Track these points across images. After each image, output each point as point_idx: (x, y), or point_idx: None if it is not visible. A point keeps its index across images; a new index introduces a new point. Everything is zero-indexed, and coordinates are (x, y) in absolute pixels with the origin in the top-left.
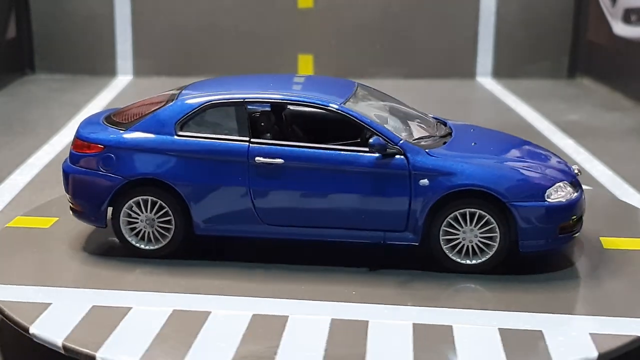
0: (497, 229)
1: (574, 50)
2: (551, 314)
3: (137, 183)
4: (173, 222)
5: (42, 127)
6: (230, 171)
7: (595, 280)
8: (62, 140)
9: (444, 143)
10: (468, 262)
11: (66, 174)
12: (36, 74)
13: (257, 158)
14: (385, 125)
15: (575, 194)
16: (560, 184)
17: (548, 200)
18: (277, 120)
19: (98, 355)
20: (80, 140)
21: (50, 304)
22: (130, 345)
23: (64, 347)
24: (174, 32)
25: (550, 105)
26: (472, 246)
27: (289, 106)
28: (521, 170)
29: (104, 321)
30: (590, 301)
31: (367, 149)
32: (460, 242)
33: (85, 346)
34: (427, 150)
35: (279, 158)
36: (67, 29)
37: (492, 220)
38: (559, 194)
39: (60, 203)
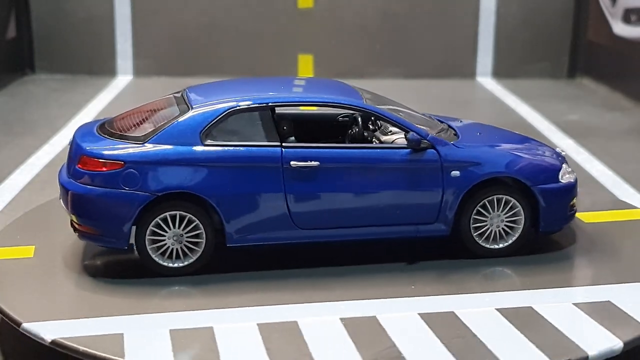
0: (522, 212)
1: (574, 50)
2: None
3: (163, 198)
4: (204, 235)
5: (42, 127)
6: (264, 178)
7: (608, 251)
8: (62, 140)
9: (456, 136)
10: (495, 246)
11: (75, 194)
12: (36, 74)
13: (292, 162)
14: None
15: (574, 174)
16: (564, 165)
17: (561, 181)
18: (299, 123)
19: None
20: (90, 158)
21: (121, 333)
22: None
23: None
24: (174, 32)
25: (550, 105)
26: (499, 231)
27: (311, 108)
28: (534, 156)
29: (200, 344)
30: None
31: (398, 145)
32: (488, 228)
33: None
34: (452, 143)
35: (314, 160)
36: (67, 29)
37: (517, 204)
38: (566, 174)
39: (20, 227)
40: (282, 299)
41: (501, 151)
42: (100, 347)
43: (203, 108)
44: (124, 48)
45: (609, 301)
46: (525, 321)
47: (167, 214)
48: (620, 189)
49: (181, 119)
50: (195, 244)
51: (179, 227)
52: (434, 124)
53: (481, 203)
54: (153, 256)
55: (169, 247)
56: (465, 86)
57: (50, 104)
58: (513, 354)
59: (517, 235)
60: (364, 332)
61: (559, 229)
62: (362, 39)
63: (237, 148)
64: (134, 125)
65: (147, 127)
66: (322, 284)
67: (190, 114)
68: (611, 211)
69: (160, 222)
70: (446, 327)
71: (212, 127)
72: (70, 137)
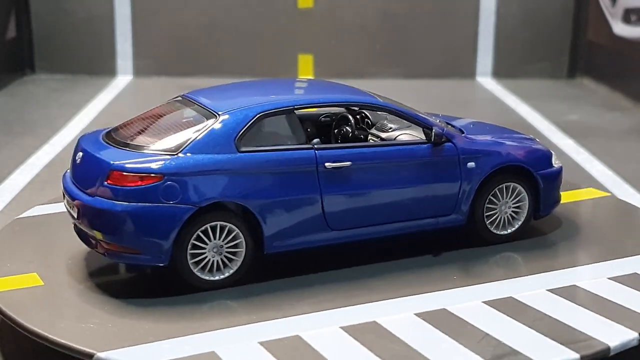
0: (527, 198)
1: (574, 50)
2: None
3: (204, 210)
4: (244, 244)
5: (42, 127)
6: (301, 181)
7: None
8: (62, 140)
9: (459, 130)
10: (504, 232)
11: (106, 212)
12: (36, 74)
13: (327, 164)
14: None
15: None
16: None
17: (555, 165)
18: (321, 124)
19: None
20: (123, 173)
21: (213, 351)
22: None
23: None
24: (174, 32)
25: (550, 105)
26: (507, 217)
27: (330, 109)
28: (529, 144)
29: (301, 352)
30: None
31: (419, 141)
32: (497, 216)
33: None
34: (464, 135)
35: (347, 160)
36: (67, 29)
37: (523, 190)
38: (556, 160)
39: (8, 251)
40: (336, 303)
41: (504, 141)
42: None
43: (231, 113)
44: (124, 48)
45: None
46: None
47: (208, 225)
48: (620, 189)
49: (213, 126)
50: (233, 254)
51: (219, 238)
52: (438, 120)
53: (493, 192)
54: (195, 271)
55: (208, 259)
56: (465, 86)
57: (50, 104)
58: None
59: (522, 220)
60: (443, 324)
61: (551, 211)
62: (362, 39)
63: (273, 153)
64: (153, 136)
65: (173, 137)
66: (371, 283)
67: (220, 120)
68: (567, 192)
69: (200, 234)
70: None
71: (245, 133)
72: (78, 150)
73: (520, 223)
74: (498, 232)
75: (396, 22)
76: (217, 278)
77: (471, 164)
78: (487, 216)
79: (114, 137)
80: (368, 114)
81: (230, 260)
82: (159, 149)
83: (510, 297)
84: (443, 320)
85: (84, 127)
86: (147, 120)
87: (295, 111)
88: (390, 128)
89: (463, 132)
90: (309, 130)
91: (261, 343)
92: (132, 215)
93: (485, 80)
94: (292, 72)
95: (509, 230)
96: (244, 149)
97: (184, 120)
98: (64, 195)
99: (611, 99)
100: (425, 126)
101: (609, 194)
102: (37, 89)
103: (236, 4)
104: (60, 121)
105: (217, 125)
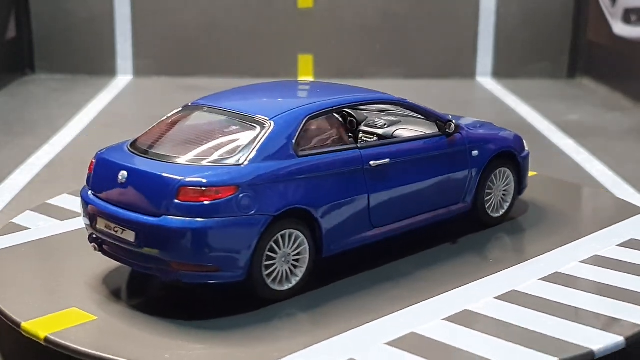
0: (512, 181)
1: (574, 50)
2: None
3: (277, 219)
4: (307, 250)
5: (42, 127)
6: (351, 181)
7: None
8: (62, 140)
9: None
10: (498, 215)
11: (189, 231)
12: (36, 74)
13: (371, 162)
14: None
15: None
16: None
17: (526, 149)
18: (350, 123)
19: None
20: (196, 188)
21: (353, 359)
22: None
23: None
24: (174, 32)
25: (550, 105)
26: (499, 200)
27: (359, 108)
28: (508, 132)
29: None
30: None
31: (435, 133)
32: (492, 199)
33: None
34: (464, 125)
35: (386, 158)
36: (67, 29)
37: (510, 174)
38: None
39: (30, 290)
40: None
41: (492, 131)
42: None
43: (282, 118)
44: (124, 48)
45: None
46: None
47: (279, 234)
48: (620, 189)
49: (269, 133)
50: (296, 261)
51: (288, 247)
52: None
53: (490, 177)
54: (268, 282)
55: (277, 270)
56: (465, 86)
57: (50, 104)
58: None
59: (510, 201)
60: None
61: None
62: (362, 39)
63: (327, 155)
64: (203, 147)
65: (228, 147)
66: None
67: (274, 126)
68: None
69: (273, 244)
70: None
71: (299, 137)
72: (117, 169)
73: (508, 205)
74: (494, 215)
75: (396, 22)
76: (285, 288)
77: (475, 153)
78: (486, 200)
79: (153, 151)
80: (352, 113)
81: (294, 268)
82: (221, 161)
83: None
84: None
85: (84, 127)
86: (179, 131)
87: (334, 112)
88: (385, 124)
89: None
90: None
91: (387, 344)
92: (211, 231)
93: (485, 80)
94: (292, 72)
95: (501, 212)
96: (301, 153)
97: (228, 129)
98: (93, 218)
99: (611, 99)
100: (439, 119)
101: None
102: (37, 89)
103: (236, 4)
104: (60, 121)
105: (274, 132)
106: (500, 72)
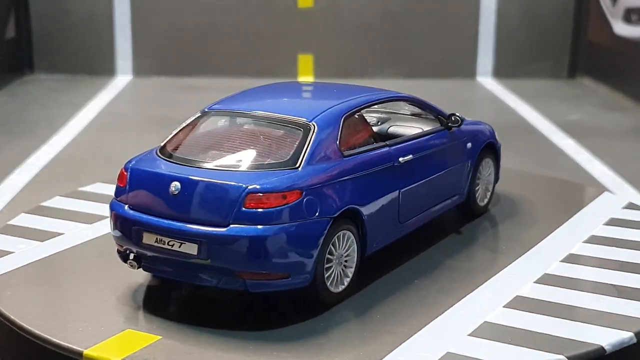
0: (493, 170)
1: (575, 50)
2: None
3: (335, 220)
4: (355, 250)
5: (41, 127)
6: (386, 179)
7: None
8: (61, 140)
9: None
10: (483, 204)
11: (261, 239)
12: (35, 74)
13: (400, 159)
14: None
15: None
16: None
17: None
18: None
19: None
20: (264, 194)
21: (450, 352)
22: None
23: None
24: (173, 32)
25: (551, 105)
26: (483, 190)
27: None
28: (485, 124)
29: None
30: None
31: (439, 128)
32: (478, 188)
33: None
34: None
35: (410, 154)
36: (67, 28)
37: (492, 163)
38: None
39: (73, 313)
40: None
41: (475, 124)
42: None
43: (322, 119)
44: (123, 48)
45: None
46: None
47: (335, 236)
48: (621, 189)
49: (315, 135)
50: (345, 261)
51: (342, 248)
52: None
53: (478, 168)
54: (328, 285)
55: (333, 271)
56: (465, 86)
57: (50, 104)
58: None
59: (491, 190)
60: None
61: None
62: (362, 38)
63: (366, 153)
64: (251, 153)
65: (280, 152)
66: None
67: (318, 128)
68: None
69: (331, 246)
70: None
71: (341, 137)
72: (166, 180)
73: (490, 194)
74: (481, 204)
75: (396, 22)
76: (340, 290)
77: (469, 145)
78: (475, 190)
79: (199, 160)
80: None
81: (344, 268)
82: (277, 165)
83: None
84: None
85: (84, 127)
86: (216, 138)
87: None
88: (378, 122)
89: None
90: None
91: (470, 335)
92: (281, 237)
93: (486, 80)
94: (292, 72)
95: (485, 201)
96: (346, 153)
97: (268, 133)
98: (137, 233)
99: (612, 98)
100: (441, 114)
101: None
102: (36, 89)
103: (236, 4)
104: (60, 121)
105: (319, 133)
106: (500, 72)
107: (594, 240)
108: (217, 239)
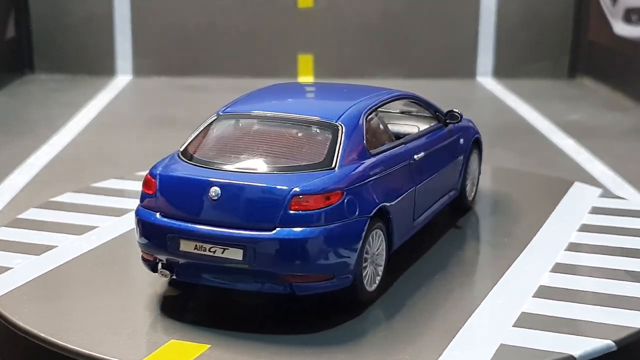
0: (477, 164)
1: (575, 50)
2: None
3: (370, 219)
4: (384, 249)
5: (41, 127)
6: (405, 176)
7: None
8: (61, 140)
9: None
10: (470, 198)
11: (309, 240)
12: (35, 74)
13: (415, 156)
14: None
15: None
16: None
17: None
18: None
19: None
20: (307, 196)
21: (505, 344)
22: None
23: None
24: (174, 32)
25: (551, 105)
26: (471, 184)
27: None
28: (466, 119)
29: None
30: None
31: (437, 126)
32: (468, 183)
33: None
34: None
35: (422, 151)
36: (67, 29)
37: (477, 157)
38: None
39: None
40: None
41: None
42: None
43: (347, 119)
44: (123, 48)
45: None
46: None
47: (370, 235)
48: (621, 189)
49: (345, 135)
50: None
51: (373, 246)
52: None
53: (467, 163)
54: (366, 285)
55: (367, 270)
56: (465, 86)
57: (50, 104)
58: None
59: (476, 184)
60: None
61: None
62: (362, 38)
63: (389, 151)
64: (283, 155)
65: (313, 153)
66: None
67: (345, 128)
68: None
69: (367, 245)
70: None
71: (366, 136)
72: (204, 186)
73: (475, 187)
74: (470, 198)
75: (396, 22)
76: (373, 289)
77: (462, 140)
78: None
79: (230, 164)
80: None
81: (375, 267)
82: (314, 167)
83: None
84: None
85: (84, 127)
86: (243, 140)
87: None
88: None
89: None
90: None
91: (514, 326)
92: (328, 238)
93: (486, 80)
94: (292, 72)
95: (473, 194)
96: (372, 151)
97: (296, 135)
98: (172, 241)
99: (612, 98)
100: (439, 111)
101: None
102: (36, 89)
103: (236, 4)
104: (60, 121)
105: (347, 133)
106: (500, 72)
107: (587, 229)
108: (264, 243)
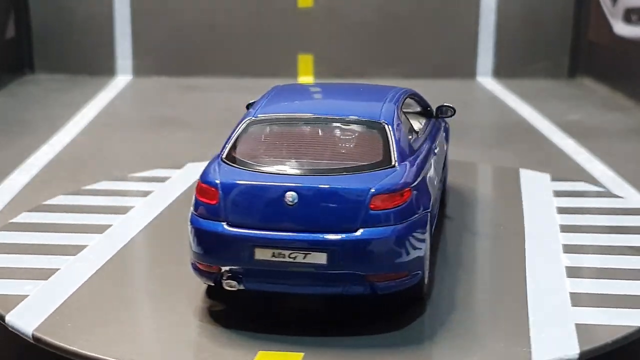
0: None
1: (575, 50)
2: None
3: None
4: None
5: (41, 127)
6: (434, 169)
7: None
8: (61, 140)
9: None
10: (444, 188)
11: (391, 239)
12: (35, 74)
13: (435, 149)
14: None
15: None
16: None
17: None
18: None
19: None
20: (387, 195)
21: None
22: None
23: None
24: (174, 32)
25: (551, 105)
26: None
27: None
28: None
29: None
30: None
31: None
32: (443, 175)
33: None
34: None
35: (433, 143)
36: (67, 28)
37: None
38: None
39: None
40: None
41: None
42: None
43: (388, 118)
44: (123, 48)
45: None
46: None
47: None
48: (621, 189)
49: (393, 133)
50: None
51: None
52: None
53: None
54: (425, 279)
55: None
56: (465, 86)
57: (50, 104)
58: None
59: (446, 175)
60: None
61: None
62: (362, 38)
63: (423, 145)
64: (341, 156)
65: (370, 153)
66: None
67: (390, 126)
68: None
69: None
70: None
71: (405, 133)
72: (278, 192)
73: (446, 178)
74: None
75: (396, 22)
76: (427, 283)
77: (444, 134)
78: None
79: (297, 168)
80: None
81: None
82: (378, 165)
83: None
84: None
85: (84, 127)
86: (293, 144)
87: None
88: None
89: None
90: None
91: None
92: (407, 236)
93: (486, 80)
94: (292, 72)
95: (446, 186)
96: (414, 146)
97: (347, 135)
98: (246, 250)
99: (612, 98)
100: (429, 106)
101: None
102: (36, 89)
103: (236, 4)
104: (60, 121)
105: (394, 131)
106: (500, 72)
107: (565, 211)
108: (349, 245)
